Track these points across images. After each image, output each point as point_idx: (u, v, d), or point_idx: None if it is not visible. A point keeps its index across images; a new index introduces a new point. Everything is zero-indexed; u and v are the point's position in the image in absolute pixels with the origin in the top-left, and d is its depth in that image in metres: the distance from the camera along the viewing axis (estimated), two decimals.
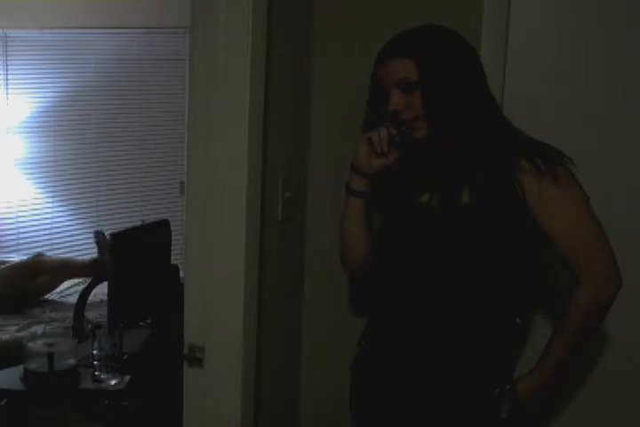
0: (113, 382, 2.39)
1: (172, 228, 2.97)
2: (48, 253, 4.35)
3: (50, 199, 4.72)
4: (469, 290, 1.56)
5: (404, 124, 1.54)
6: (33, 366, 2.35)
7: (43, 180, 4.70)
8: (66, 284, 3.98)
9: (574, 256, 1.53)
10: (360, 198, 1.67)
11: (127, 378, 2.41)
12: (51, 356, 2.33)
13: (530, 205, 1.50)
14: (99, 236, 3.96)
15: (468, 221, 1.53)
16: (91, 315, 3.15)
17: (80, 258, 4.28)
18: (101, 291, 3.05)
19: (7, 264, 3.91)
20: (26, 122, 4.64)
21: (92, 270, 3.83)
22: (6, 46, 4.57)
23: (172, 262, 2.96)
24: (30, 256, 4.04)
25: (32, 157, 4.67)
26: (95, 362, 2.41)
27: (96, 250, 4.08)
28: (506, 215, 1.52)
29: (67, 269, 3.92)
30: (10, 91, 4.62)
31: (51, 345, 2.40)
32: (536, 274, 1.65)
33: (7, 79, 4.60)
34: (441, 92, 1.51)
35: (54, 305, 3.71)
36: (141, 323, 2.85)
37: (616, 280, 1.53)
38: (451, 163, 1.56)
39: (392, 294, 1.66)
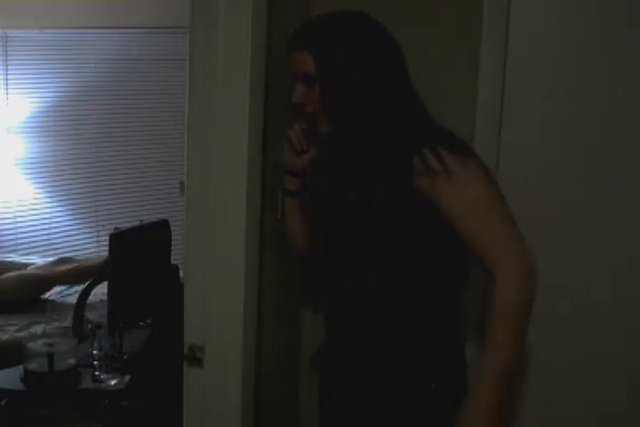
0: (113, 382, 2.39)
1: (172, 228, 2.97)
2: (47, 254, 4.36)
3: (49, 199, 4.72)
4: (394, 286, 1.52)
5: (307, 117, 1.52)
6: (33, 366, 2.35)
7: (42, 180, 4.70)
8: None
9: (483, 258, 1.43)
10: (294, 198, 1.68)
11: (127, 378, 2.41)
12: (51, 356, 2.33)
13: (432, 204, 1.44)
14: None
15: (377, 218, 1.49)
16: (91, 315, 3.15)
17: (87, 257, 4.26)
18: (101, 291, 3.05)
19: (22, 273, 3.86)
20: (26, 122, 4.64)
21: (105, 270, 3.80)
22: (6, 46, 4.56)
23: (172, 262, 2.96)
24: (53, 260, 4.01)
25: (32, 157, 4.67)
26: (95, 362, 2.41)
27: (95, 250, 4.07)
28: (415, 214, 1.47)
29: (82, 275, 3.87)
30: (10, 91, 4.61)
31: (51, 345, 2.40)
32: (464, 271, 1.58)
33: (7, 79, 4.60)
34: (336, 87, 1.47)
35: (54, 305, 3.71)
36: (141, 323, 2.85)
37: (531, 277, 1.42)
38: (356, 159, 1.51)
39: (331, 290, 1.64)
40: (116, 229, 3.41)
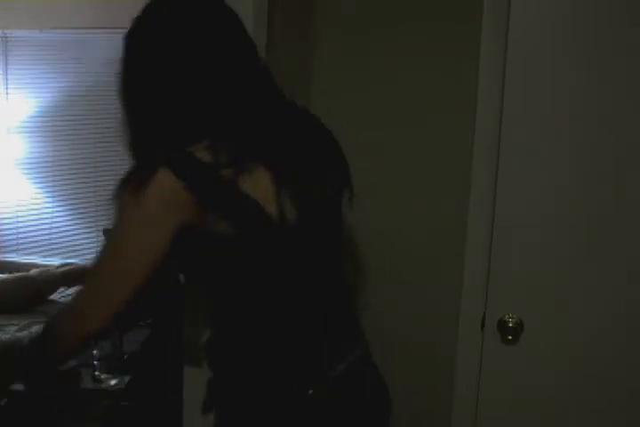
0: (113, 382, 2.39)
1: None
2: (48, 254, 4.35)
3: (49, 199, 4.71)
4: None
5: None
6: None
7: (42, 180, 4.69)
8: None
9: None
10: None
11: (127, 378, 2.41)
12: None
13: None
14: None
15: None
16: None
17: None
18: None
19: (21, 274, 3.85)
20: (26, 122, 4.64)
21: None
22: (6, 46, 4.56)
23: None
24: (60, 264, 4.00)
25: (32, 157, 4.67)
26: (95, 362, 2.41)
27: (96, 249, 4.05)
28: None
29: (82, 277, 3.85)
30: (10, 91, 4.61)
31: None
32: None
33: (7, 79, 4.60)
34: (118, 78, 1.36)
35: (54, 305, 3.70)
36: (141, 323, 2.84)
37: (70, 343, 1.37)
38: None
39: None
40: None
